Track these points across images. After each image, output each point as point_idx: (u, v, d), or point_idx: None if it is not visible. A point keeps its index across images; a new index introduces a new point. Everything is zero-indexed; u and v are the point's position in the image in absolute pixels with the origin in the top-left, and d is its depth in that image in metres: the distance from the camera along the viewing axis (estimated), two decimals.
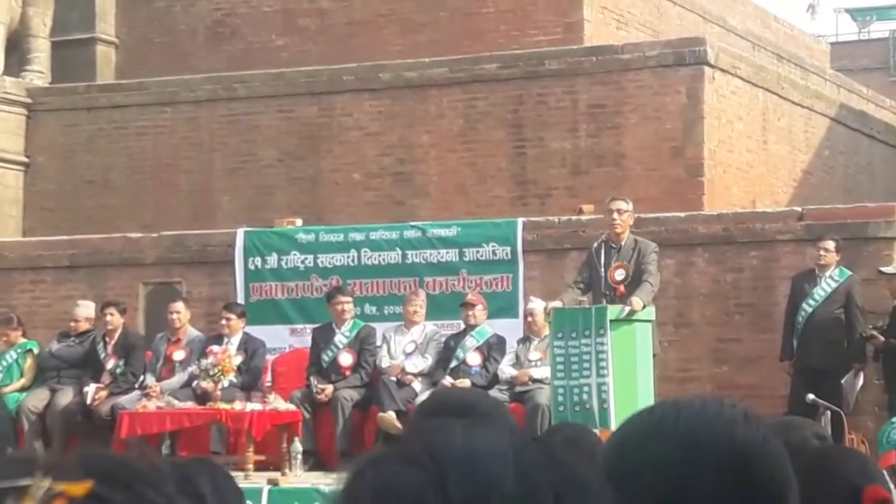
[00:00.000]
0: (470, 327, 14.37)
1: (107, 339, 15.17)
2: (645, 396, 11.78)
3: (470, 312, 14.36)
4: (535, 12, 19.09)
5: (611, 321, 12.12)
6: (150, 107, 19.52)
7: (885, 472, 3.35)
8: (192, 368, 14.37)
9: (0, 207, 19.70)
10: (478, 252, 15.48)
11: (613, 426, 10.87)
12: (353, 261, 15.85)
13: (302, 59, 19.58)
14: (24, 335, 15.78)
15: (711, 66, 17.37)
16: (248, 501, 13.30)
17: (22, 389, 15.33)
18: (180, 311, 15.05)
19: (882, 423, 13.02)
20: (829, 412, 11.95)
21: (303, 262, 16.03)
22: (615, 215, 13.18)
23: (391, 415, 13.62)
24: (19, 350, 15.61)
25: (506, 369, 13.99)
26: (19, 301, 17.15)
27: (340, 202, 18.35)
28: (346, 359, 14.42)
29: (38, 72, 20.72)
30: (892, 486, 3.26)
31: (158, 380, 14.69)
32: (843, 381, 13.45)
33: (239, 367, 14.27)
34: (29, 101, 20.04)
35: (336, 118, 18.58)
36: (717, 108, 17.54)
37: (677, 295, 14.88)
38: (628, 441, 1.89)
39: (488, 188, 17.78)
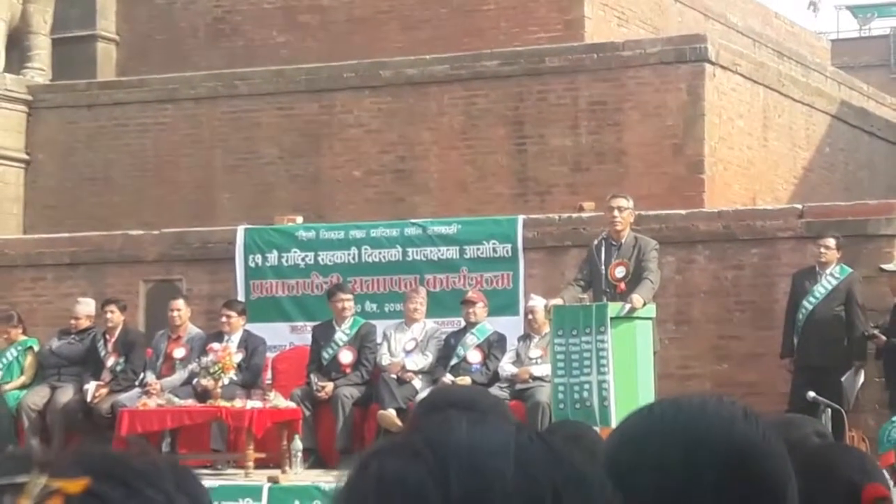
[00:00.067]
0: (470, 325, 14.37)
1: (107, 336, 15.17)
2: (645, 394, 11.78)
3: (470, 310, 14.36)
4: (535, 9, 19.08)
5: (611, 318, 12.12)
6: (151, 104, 19.52)
7: (885, 471, 3.35)
8: (193, 366, 14.37)
9: (1, 205, 19.70)
10: (478, 249, 15.48)
11: (614, 424, 10.86)
12: (353, 258, 15.84)
13: (302, 56, 19.57)
14: (24, 332, 15.78)
15: (712, 63, 17.37)
16: (248, 499, 13.30)
17: (22, 387, 15.34)
18: (181, 309, 15.06)
19: (882, 421, 13.02)
20: (829, 410, 11.95)
21: (303, 259, 16.03)
22: (616, 212, 13.18)
23: (391, 412, 13.63)
24: (20, 347, 15.62)
25: (506, 367, 13.99)
26: (20, 298, 17.15)
27: (341, 199, 18.35)
28: (346, 356, 14.42)
29: (39, 69, 20.72)
30: (891, 484, 3.26)
31: (159, 377, 14.69)
32: (843, 379, 13.45)
33: (239, 365, 14.28)
34: (29, 98, 20.03)
35: (337, 115, 18.58)
36: (717, 105, 17.54)
37: (678, 292, 14.87)
38: (628, 439, 1.89)
39: (489, 185, 17.78)
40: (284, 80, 18.88)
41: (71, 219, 19.25)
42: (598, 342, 12.08)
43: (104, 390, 14.77)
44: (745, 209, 16.03)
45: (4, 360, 15.51)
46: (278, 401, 13.85)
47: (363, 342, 14.50)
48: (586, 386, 12.11)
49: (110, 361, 14.99)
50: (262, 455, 13.58)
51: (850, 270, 13.77)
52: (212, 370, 13.89)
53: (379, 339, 14.57)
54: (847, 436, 11.97)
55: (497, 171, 17.80)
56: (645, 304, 12.40)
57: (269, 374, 14.93)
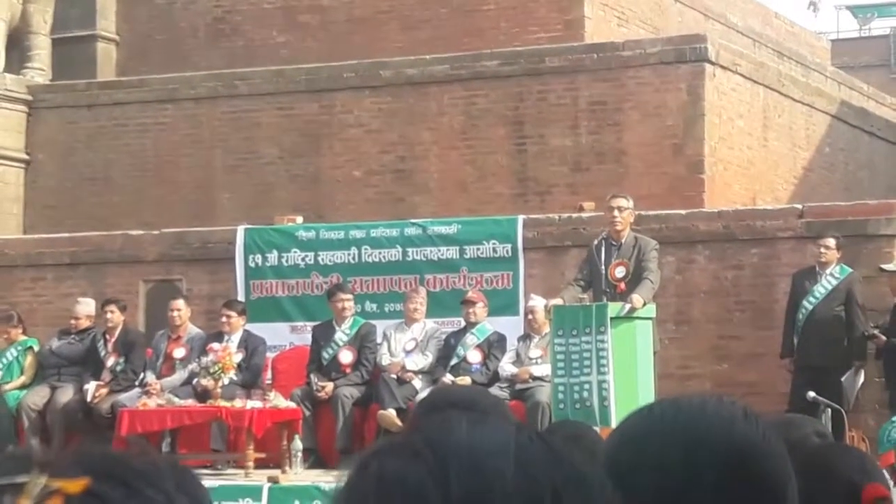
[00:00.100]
0: (470, 325, 14.37)
1: (107, 336, 15.17)
2: (645, 394, 11.78)
3: (470, 310, 14.36)
4: (535, 9, 19.08)
5: (611, 318, 12.11)
6: (151, 104, 19.52)
7: (884, 471, 3.35)
8: (193, 366, 14.37)
9: (1, 205, 19.70)
10: (478, 249, 15.47)
11: (614, 424, 10.86)
12: (353, 258, 15.84)
13: (302, 56, 19.57)
14: (24, 332, 15.78)
15: (712, 63, 17.37)
16: (247, 499, 13.29)
17: (22, 387, 15.34)
18: (181, 309, 15.05)
19: (882, 421, 13.01)
20: (829, 410, 11.95)
21: (303, 259, 16.02)
22: (616, 212, 13.18)
23: (391, 412, 13.62)
24: (20, 347, 15.62)
25: (506, 367, 13.99)
26: (20, 298, 17.15)
27: (341, 199, 18.35)
28: (346, 356, 14.42)
29: (39, 69, 20.71)
30: (891, 483, 3.26)
31: (159, 377, 14.69)
32: (843, 379, 13.44)
33: (239, 365, 14.28)
34: (29, 98, 20.03)
35: (337, 115, 18.58)
36: (717, 105, 17.54)
37: (678, 292, 14.87)
38: (628, 439, 1.89)
39: (489, 185, 17.78)
40: (284, 80, 18.87)
41: (71, 219, 19.25)
42: (598, 342, 12.07)
43: (104, 390, 14.77)
44: (745, 209, 16.03)
45: (4, 360, 15.51)
46: (278, 401, 13.84)
47: (363, 342, 14.50)
48: (586, 386, 12.11)
49: (110, 361, 14.99)
50: (262, 455, 13.58)
51: (850, 270, 13.77)
52: (212, 370, 13.89)
53: (379, 339, 14.57)
54: (847, 436, 11.97)
55: (497, 171, 17.80)
56: (645, 304, 12.40)
57: (269, 374, 14.92)
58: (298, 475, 13.24)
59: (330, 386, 14.19)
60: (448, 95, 18.06)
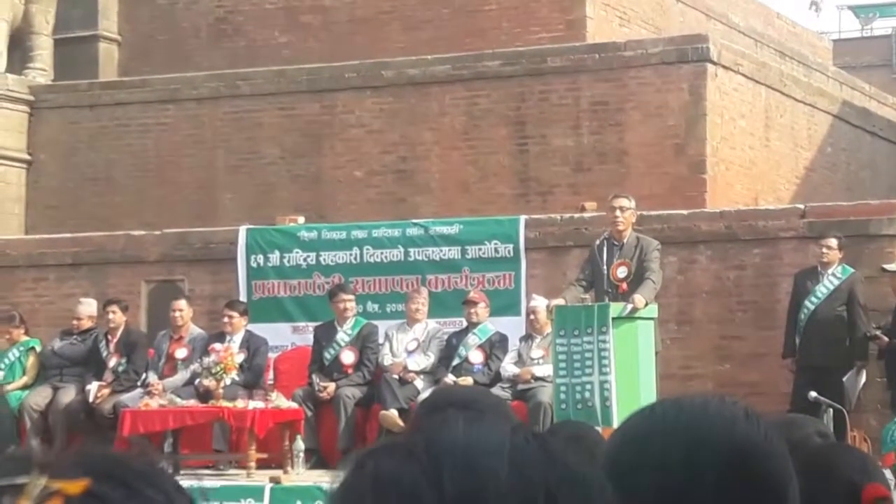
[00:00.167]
0: (472, 325, 14.37)
1: (109, 336, 15.18)
2: (647, 394, 11.78)
3: (472, 310, 14.36)
4: (537, 9, 19.08)
5: (613, 319, 12.11)
6: (153, 104, 19.52)
7: (888, 471, 3.35)
8: (195, 366, 14.37)
9: (3, 205, 19.70)
10: (480, 250, 15.47)
11: (615, 424, 10.86)
12: (355, 258, 15.84)
13: (304, 56, 19.58)
14: (26, 333, 15.79)
15: (714, 63, 17.36)
16: (249, 499, 13.28)
17: (24, 387, 15.34)
18: (183, 309, 15.06)
19: (884, 421, 13.03)
20: (831, 410, 11.95)
21: (305, 259, 16.03)
22: (617, 212, 13.18)
23: (393, 413, 13.62)
24: (22, 348, 15.62)
25: (508, 367, 13.99)
26: (22, 299, 17.16)
27: (343, 200, 18.35)
28: (348, 357, 14.42)
29: (41, 69, 20.72)
30: (893, 484, 3.26)
31: (161, 378, 14.69)
32: (844, 379, 13.44)
33: (241, 365, 14.28)
34: (31, 98, 20.04)
35: (338, 115, 18.58)
36: (719, 105, 17.54)
37: (679, 292, 14.87)
38: (630, 439, 1.89)
39: (491, 185, 17.77)
40: (286, 80, 18.88)
41: (73, 219, 19.25)
42: (599, 342, 12.07)
43: (106, 391, 14.77)
44: (747, 209, 16.03)
45: (6, 361, 15.51)
46: (280, 401, 13.85)
47: (365, 342, 14.50)
48: (588, 386, 12.10)
49: (112, 362, 15.00)
50: (264, 455, 13.58)
51: (852, 270, 13.77)
52: (214, 370, 13.90)
53: (381, 340, 14.57)
54: (849, 436, 11.96)
55: (499, 171, 17.79)
56: (647, 305, 12.40)
57: (270, 375, 14.93)
58: (300, 475, 13.24)
59: (332, 386, 14.19)
60: (450, 96, 18.06)
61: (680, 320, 14.84)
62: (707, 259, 15.02)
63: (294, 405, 13.95)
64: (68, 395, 14.92)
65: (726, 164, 17.69)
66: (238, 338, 14.66)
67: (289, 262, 16.07)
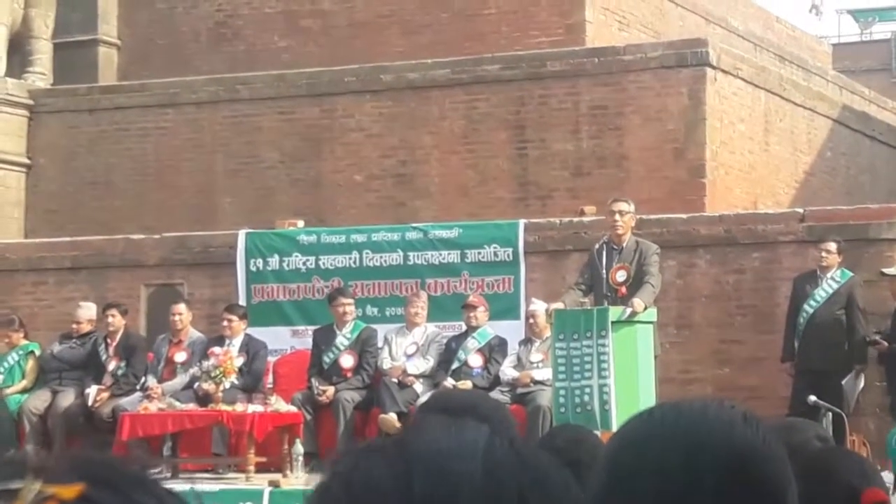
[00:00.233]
0: (471, 329, 14.37)
1: (108, 340, 15.18)
2: (646, 398, 11.77)
3: (471, 314, 14.36)
4: (536, 13, 19.09)
5: (612, 323, 12.10)
6: (152, 108, 19.52)
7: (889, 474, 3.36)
8: (194, 370, 14.37)
9: (2, 209, 19.70)
10: (479, 253, 15.48)
11: (615, 428, 10.86)
12: (354, 262, 15.84)
13: (304, 60, 19.58)
14: (25, 337, 15.79)
15: (713, 68, 17.37)
16: (248, 503, 13.26)
17: (23, 391, 15.34)
18: (182, 313, 15.06)
19: (883, 425, 13.03)
20: (830, 414, 11.94)
21: (304, 263, 16.02)
22: (617, 217, 13.17)
23: (392, 416, 13.62)
24: (21, 352, 15.62)
25: (507, 371, 13.99)
26: (21, 302, 17.15)
27: (342, 204, 18.35)
28: (347, 360, 14.42)
29: (40, 73, 20.72)
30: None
31: (160, 381, 14.69)
32: (843, 383, 13.44)
33: (240, 369, 14.27)
34: (31, 102, 20.04)
35: (338, 119, 18.58)
36: (718, 109, 17.54)
37: (679, 296, 14.87)
38: (629, 442, 1.89)
39: (490, 190, 17.78)
40: (286, 84, 18.88)
41: (72, 223, 19.25)
42: (599, 346, 12.06)
43: (105, 394, 14.77)
44: (747, 213, 16.03)
45: (6, 365, 15.51)
46: (279, 405, 13.85)
47: (364, 346, 14.50)
48: (587, 390, 12.09)
49: (111, 365, 15.00)
50: (264, 459, 13.58)
51: (851, 274, 13.77)
52: (213, 374, 13.90)
53: (380, 343, 14.57)
54: (848, 440, 11.96)
55: (498, 175, 17.80)
56: (646, 308, 12.39)
57: (270, 378, 14.93)
58: (299, 479, 13.23)
59: (331, 390, 14.19)
60: (449, 100, 18.06)
61: (679, 324, 14.84)
62: (706, 263, 15.02)
63: (293, 409, 13.95)
64: (67, 398, 14.92)
65: (726, 169, 17.69)
66: (237, 341, 14.66)
67: (288, 265, 16.07)
